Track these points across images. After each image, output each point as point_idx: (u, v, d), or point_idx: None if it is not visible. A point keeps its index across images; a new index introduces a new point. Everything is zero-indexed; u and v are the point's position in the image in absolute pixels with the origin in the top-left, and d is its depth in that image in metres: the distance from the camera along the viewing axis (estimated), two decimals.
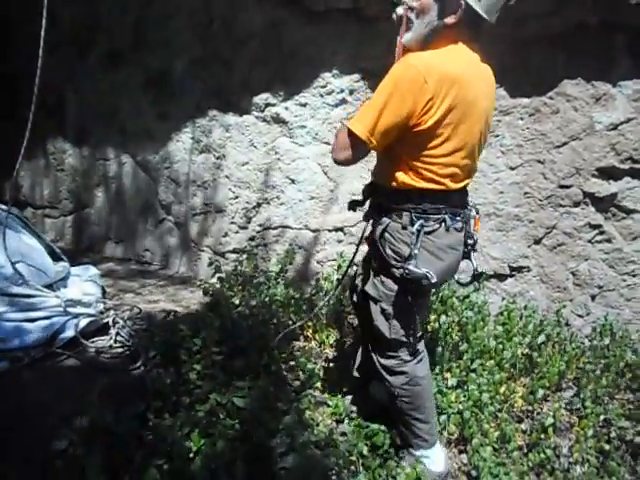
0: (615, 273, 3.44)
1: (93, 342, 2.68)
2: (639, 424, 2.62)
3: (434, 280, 1.85)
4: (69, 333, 2.64)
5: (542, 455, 2.50)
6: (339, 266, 3.38)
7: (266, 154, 3.62)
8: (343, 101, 3.44)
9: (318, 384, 2.68)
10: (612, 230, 3.34)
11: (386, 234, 1.98)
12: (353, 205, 2.23)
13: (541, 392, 2.70)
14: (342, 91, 3.41)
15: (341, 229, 3.64)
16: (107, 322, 2.82)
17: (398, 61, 1.82)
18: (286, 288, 3.32)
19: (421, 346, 2.17)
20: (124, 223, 4.34)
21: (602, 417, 2.63)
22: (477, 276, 2.12)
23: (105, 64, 4.06)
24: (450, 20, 1.78)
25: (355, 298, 2.33)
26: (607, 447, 2.52)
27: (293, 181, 3.62)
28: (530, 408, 2.71)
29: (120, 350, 2.65)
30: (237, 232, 3.83)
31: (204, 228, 3.94)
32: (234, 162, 3.71)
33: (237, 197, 3.76)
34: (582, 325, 3.37)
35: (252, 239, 3.80)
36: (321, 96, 3.44)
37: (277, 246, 3.72)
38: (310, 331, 3.09)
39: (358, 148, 1.84)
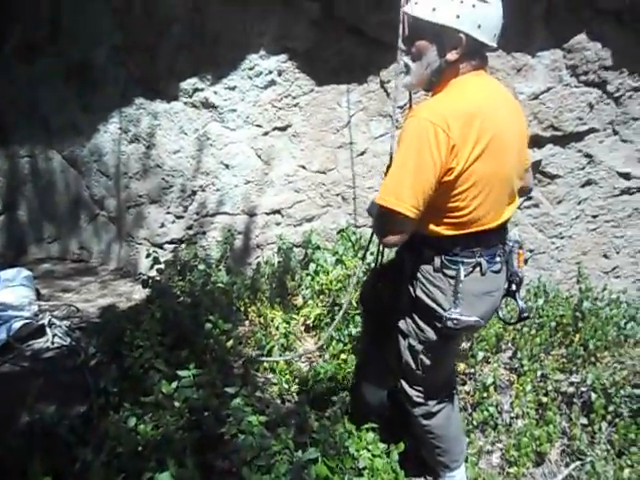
0: (544, 236, 3.60)
1: (28, 345, 2.58)
2: (572, 375, 2.78)
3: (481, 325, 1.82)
4: (1, 338, 2.54)
5: (485, 413, 2.63)
6: (279, 249, 3.38)
7: (197, 140, 3.55)
8: (272, 82, 3.40)
9: (265, 365, 2.69)
10: (539, 195, 3.48)
11: (418, 274, 1.88)
12: None
13: (481, 354, 2.81)
14: (270, 72, 3.37)
15: (278, 211, 3.63)
16: (43, 324, 2.72)
17: (408, 117, 1.68)
18: (227, 274, 3.29)
19: (448, 391, 2.16)
20: (56, 221, 4.17)
21: (539, 373, 2.77)
22: (524, 318, 2.00)
23: (22, 55, 3.85)
24: (452, 56, 1.68)
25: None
26: (544, 400, 2.67)
27: (227, 166, 3.57)
28: (472, 370, 2.82)
29: (58, 351, 2.57)
30: (174, 222, 3.75)
31: (139, 220, 3.83)
32: (165, 150, 3.62)
33: (171, 186, 3.67)
34: None
35: (190, 228, 3.73)
36: (250, 78, 3.39)
37: (215, 233, 3.66)
38: (254, 314, 3.09)
39: (408, 225, 1.70)
